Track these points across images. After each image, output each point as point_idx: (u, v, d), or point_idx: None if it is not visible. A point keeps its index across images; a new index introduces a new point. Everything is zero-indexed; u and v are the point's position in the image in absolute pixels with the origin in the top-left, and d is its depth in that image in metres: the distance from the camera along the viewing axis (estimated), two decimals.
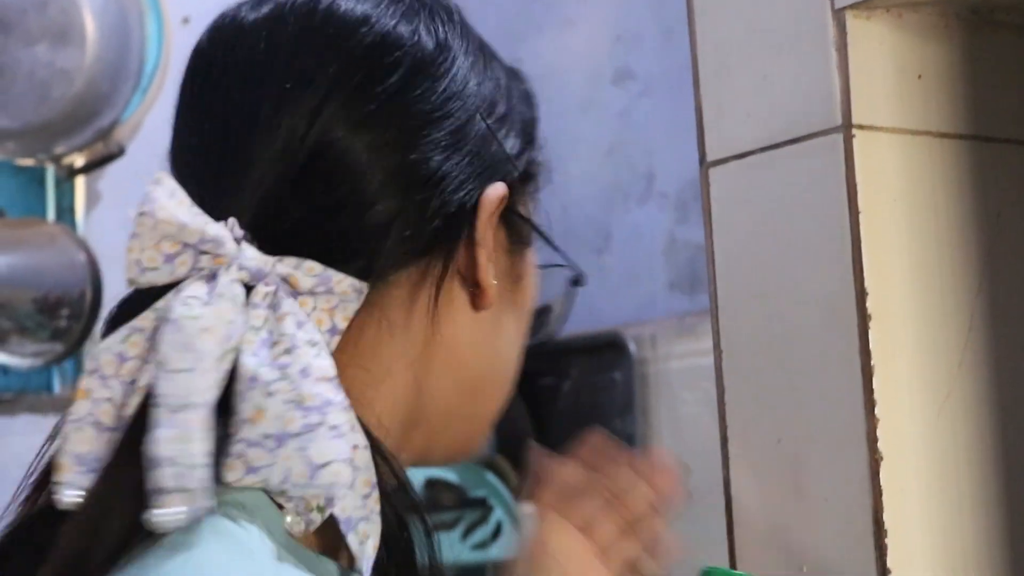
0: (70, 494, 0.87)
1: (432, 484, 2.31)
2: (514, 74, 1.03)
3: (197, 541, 0.84)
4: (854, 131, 1.28)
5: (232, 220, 0.88)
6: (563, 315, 1.03)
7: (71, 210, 2.40)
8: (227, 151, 0.91)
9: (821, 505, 1.29)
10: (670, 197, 2.31)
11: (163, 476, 0.83)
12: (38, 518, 0.90)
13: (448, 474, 2.32)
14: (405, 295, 0.94)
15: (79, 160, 2.33)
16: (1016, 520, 1.32)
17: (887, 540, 1.25)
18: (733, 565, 1.36)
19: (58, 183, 2.38)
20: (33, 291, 2.29)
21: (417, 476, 2.28)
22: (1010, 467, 1.32)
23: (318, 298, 0.90)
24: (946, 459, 1.29)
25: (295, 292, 0.89)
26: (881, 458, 1.25)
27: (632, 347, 2.27)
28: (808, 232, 1.30)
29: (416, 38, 0.96)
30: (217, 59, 0.95)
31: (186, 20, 2.61)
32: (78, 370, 2.39)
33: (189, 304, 0.86)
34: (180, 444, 0.84)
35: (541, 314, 1.08)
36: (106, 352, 0.88)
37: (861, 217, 1.27)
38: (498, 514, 2.34)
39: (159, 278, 0.88)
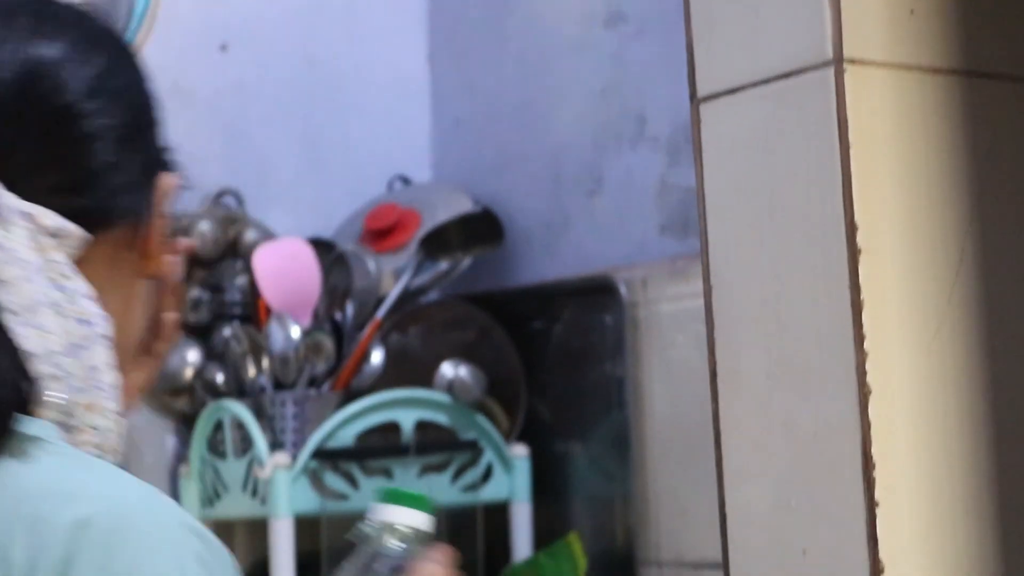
0: None
1: (422, 426, 2.31)
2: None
3: (29, 452, 0.93)
4: (845, 65, 1.28)
5: None
6: None
7: None
8: None
9: (810, 438, 1.29)
10: (662, 140, 2.31)
11: None
12: None
13: (439, 416, 2.33)
14: (109, 253, 1.06)
15: None
16: (1003, 454, 1.32)
17: (875, 473, 1.26)
18: (722, 499, 1.36)
19: None
20: None
21: (408, 419, 2.29)
22: (998, 401, 1.33)
23: (60, 240, 1.01)
24: (935, 393, 1.29)
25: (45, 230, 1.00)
26: (870, 392, 1.26)
27: (623, 290, 2.28)
28: (799, 166, 1.30)
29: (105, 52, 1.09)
30: None
31: None
32: None
33: None
34: None
35: None
36: None
37: (852, 151, 1.27)
38: (488, 456, 2.34)
39: None
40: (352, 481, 2.26)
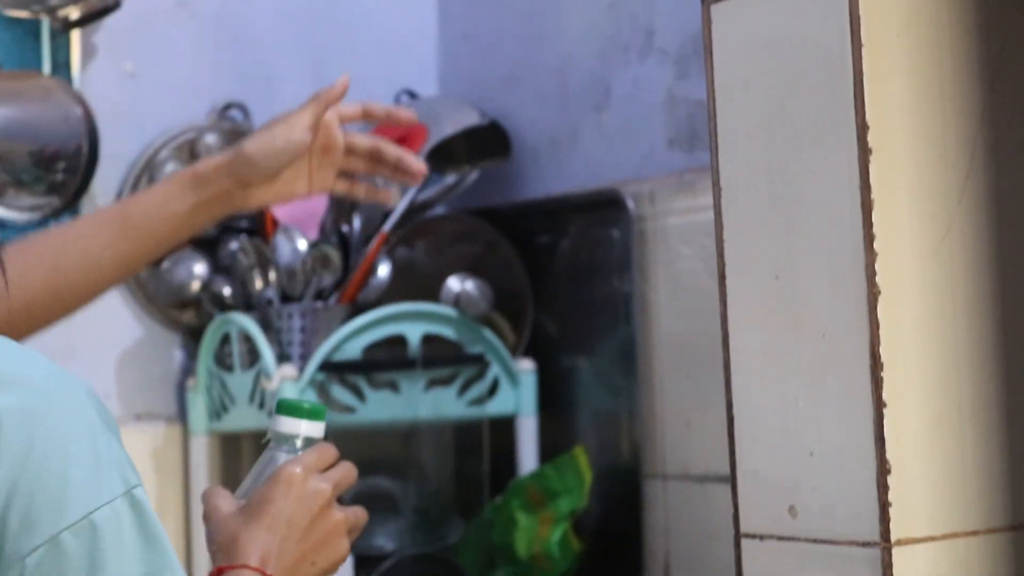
0: None
1: (429, 340, 2.31)
2: None
3: None
4: None
5: None
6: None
7: (67, 64, 2.37)
8: None
9: (818, 339, 1.29)
10: (670, 52, 2.29)
11: None
12: None
13: (445, 330, 2.33)
14: None
15: (75, 12, 2.30)
16: (1011, 355, 1.32)
17: (883, 373, 1.25)
18: (730, 400, 1.36)
19: (53, 36, 2.35)
20: (29, 144, 2.28)
21: (414, 332, 2.29)
22: (1007, 304, 1.32)
23: None
24: (944, 294, 1.29)
25: None
26: (879, 292, 1.25)
27: (630, 204, 2.27)
28: (809, 65, 1.29)
29: None
30: None
31: None
32: None
33: None
34: None
35: None
36: None
37: (864, 51, 1.26)
38: (495, 370, 2.34)
39: None
40: (359, 394, 2.26)
